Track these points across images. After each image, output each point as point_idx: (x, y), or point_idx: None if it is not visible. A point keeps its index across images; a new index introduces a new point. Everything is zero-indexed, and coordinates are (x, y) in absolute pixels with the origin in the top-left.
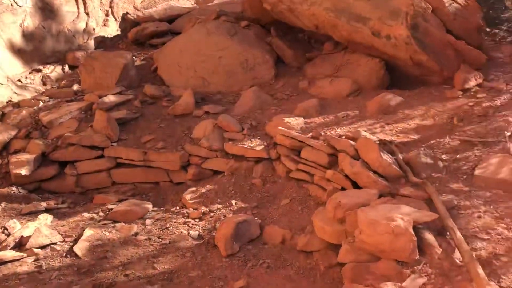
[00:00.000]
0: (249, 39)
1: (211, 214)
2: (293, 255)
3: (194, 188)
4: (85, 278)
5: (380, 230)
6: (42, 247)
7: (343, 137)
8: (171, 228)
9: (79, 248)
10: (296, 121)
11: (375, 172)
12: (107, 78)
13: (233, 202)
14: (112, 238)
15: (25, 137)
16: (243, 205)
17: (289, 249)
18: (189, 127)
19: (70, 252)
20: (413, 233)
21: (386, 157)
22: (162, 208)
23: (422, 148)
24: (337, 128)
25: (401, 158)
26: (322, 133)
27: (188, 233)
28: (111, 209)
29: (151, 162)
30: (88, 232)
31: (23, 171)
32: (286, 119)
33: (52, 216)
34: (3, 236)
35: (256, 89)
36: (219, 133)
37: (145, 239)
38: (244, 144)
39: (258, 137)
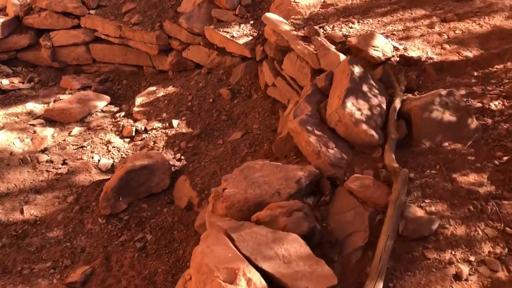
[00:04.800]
0: None
1: (143, 136)
2: (187, 233)
3: (153, 88)
4: None
5: (210, 286)
6: None
7: (348, 39)
8: (88, 147)
9: None
10: (307, 2)
11: (332, 130)
12: None
13: (176, 122)
14: (15, 153)
15: None
16: (184, 131)
17: (189, 221)
18: None
19: None
20: None
21: (363, 104)
22: (112, 110)
23: (444, 92)
24: (360, 21)
25: (397, 107)
26: (326, 30)
27: (98, 160)
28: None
29: (128, 41)
30: None
31: None
32: None
33: None
34: None
35: None
36: (207, 9)
37: (46, 161)
38: (228, 31)
39: (252, 22)
